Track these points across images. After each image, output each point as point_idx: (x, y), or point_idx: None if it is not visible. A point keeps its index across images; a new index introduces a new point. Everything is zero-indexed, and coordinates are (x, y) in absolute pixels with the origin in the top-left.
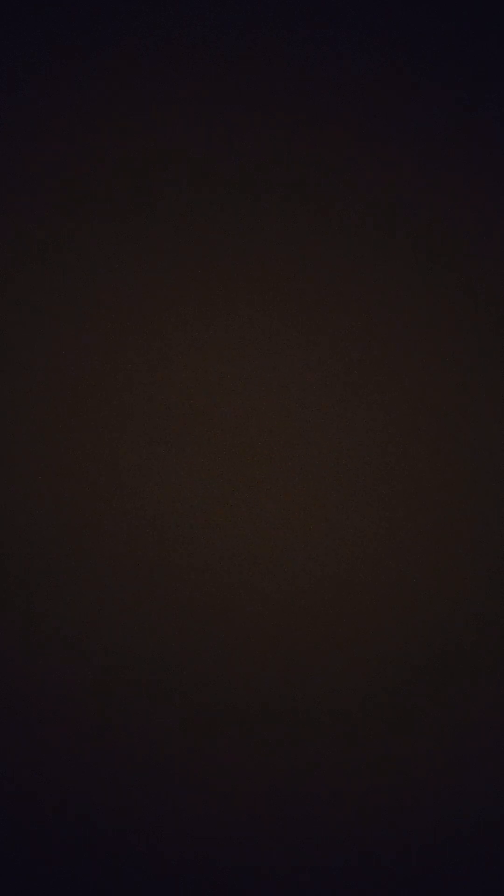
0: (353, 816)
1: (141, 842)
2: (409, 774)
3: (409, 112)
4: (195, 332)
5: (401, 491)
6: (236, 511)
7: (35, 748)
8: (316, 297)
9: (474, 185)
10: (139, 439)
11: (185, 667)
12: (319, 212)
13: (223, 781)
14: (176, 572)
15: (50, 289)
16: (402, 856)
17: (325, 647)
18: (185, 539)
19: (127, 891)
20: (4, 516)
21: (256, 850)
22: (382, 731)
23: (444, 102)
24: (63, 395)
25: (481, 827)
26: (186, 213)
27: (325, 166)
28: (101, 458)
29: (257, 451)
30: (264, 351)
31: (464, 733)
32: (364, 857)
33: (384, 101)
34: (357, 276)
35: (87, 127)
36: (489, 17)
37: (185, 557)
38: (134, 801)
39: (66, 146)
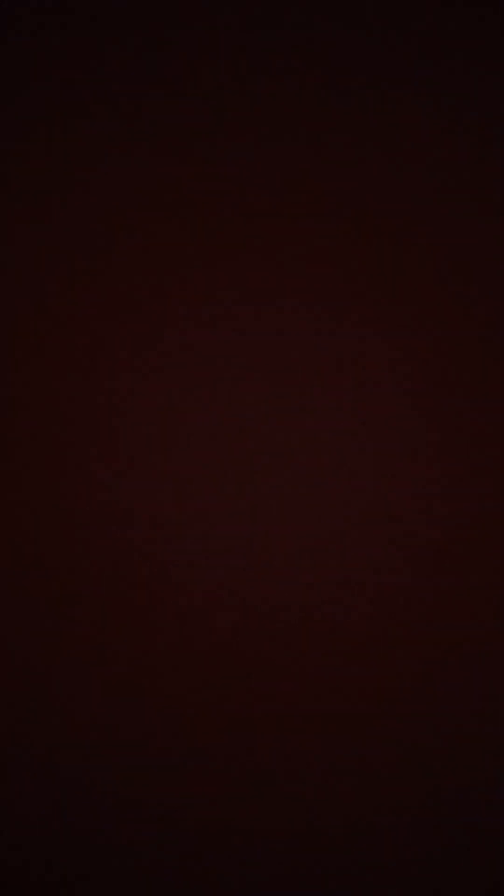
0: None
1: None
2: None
3: (408, 111)
4: (195, 331)
5: (405, 505)
6: (238, 526)
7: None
8: (319, 298)
9: (475, 186)
10: (138, 441)
11: (182, 697)
12: (318, 210)
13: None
14: (172, 587)
15: (45, 279)
16: None
17: (324, 664)
18: (183, 561)
19: None
20: None
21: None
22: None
23: (444, 97)
24: (59, 397)
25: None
26: (186, 208)
27: (325, 165)
28: (96, 463)
29: (259, 457)
30: (265, 351)
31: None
32: None
33: (386, 102)
34: (358, 277)
35: (85, 120)
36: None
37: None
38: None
39: (63, 138)
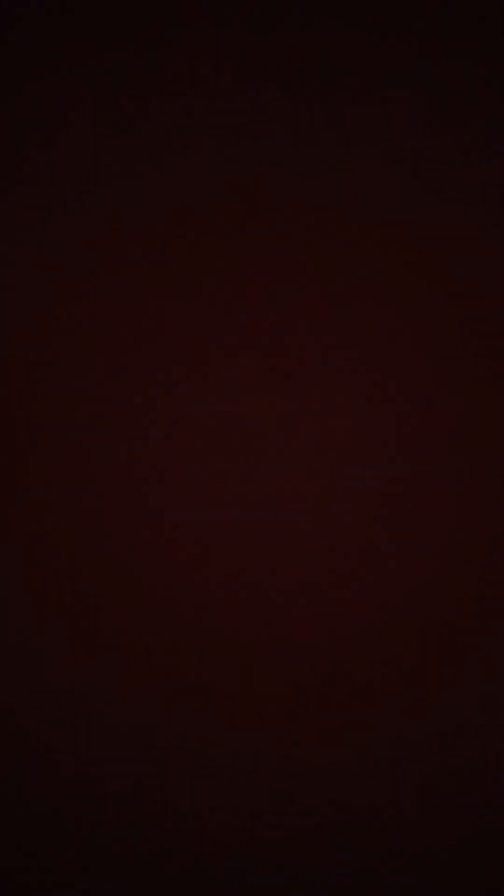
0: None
1: None
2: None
3: (406, 107)
4: (195, 330)
5: (409, 507)
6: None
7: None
8: (320, 297)
9: (475, 183)
10: (136, 443)
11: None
12: (319, 209)
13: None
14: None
15: (48, 284)
16: None
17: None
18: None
19: None
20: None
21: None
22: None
23: (444, 96)
24: (62, 397)
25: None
26: (187, 209)
27: (325, 165)
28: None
29: (261, 459)
30: (265, 349)
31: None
32: None
33: (383, 100)
34: (357, 274)
35: (83, 121)
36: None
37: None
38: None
39: (66, 141)
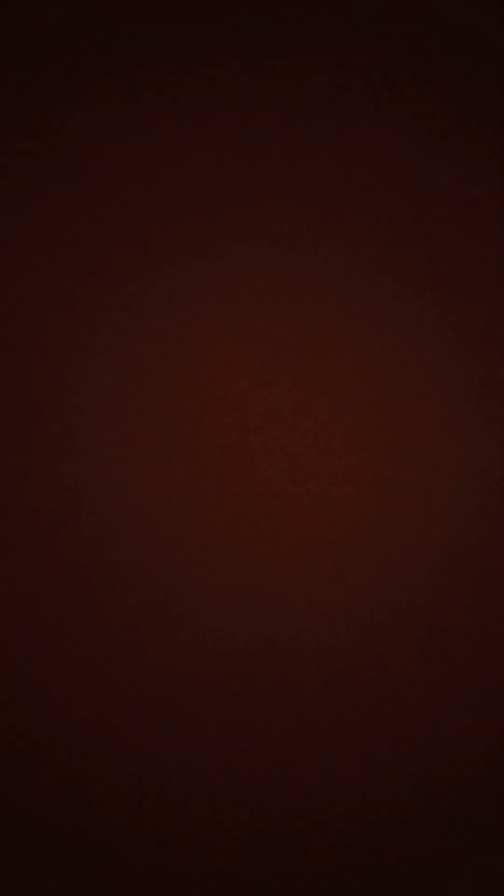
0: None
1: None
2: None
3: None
4: (192, 335)
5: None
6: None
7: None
8: (318, 304)
9: (473, 191)
10: (131, 448)
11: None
12: (318, 216)
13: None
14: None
15: (44, 283)
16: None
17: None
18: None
19: None
20: None
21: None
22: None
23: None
24: (57, 402)
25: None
26: (186, 218)
27: (324, 174)
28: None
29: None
30: (263, 353)
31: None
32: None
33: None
34: (357, 281)
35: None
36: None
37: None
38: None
39: (66, 155)
